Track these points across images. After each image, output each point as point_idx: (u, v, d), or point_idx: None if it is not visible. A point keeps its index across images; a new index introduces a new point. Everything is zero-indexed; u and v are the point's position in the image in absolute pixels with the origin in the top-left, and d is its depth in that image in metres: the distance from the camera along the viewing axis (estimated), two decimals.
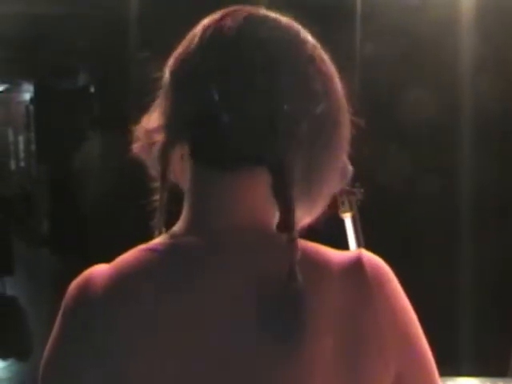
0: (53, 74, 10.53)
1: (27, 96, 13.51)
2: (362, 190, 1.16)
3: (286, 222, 0.86)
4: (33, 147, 13.24)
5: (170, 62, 0.95)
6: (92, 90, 10.00)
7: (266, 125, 0.88)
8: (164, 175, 0.92)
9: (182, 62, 0.93)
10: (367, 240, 1.20)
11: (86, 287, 0.90)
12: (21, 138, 14.55)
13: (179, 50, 0.95)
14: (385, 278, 0.87)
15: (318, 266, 0.85)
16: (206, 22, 0.94)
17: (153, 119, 0.95)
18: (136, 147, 0.96)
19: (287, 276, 0.82)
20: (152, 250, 0.90)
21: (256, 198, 0.91)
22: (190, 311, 0.85)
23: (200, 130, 0.89)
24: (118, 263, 0.90)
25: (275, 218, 0.92)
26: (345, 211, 1.17)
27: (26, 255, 9.68)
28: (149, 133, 0.94)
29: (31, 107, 13.17)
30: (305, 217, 0.96)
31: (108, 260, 0.93)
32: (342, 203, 1.15)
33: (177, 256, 0.89)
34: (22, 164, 14.21)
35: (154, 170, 0.95)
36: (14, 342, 6.17)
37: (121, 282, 0.88)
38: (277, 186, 0.88)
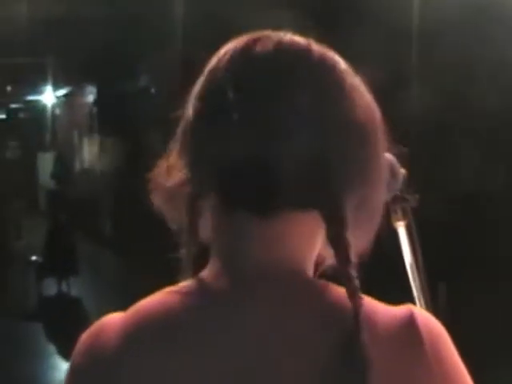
0: (115, 77, 10.64)
1: (91, 98, 13.70)
2: (417, 196, 1.05)
3: (345, 277, 0.77)
4: (97, 149, 13.42)
5: (193, 96, 0.83)
6: (153, 90, 10.06)
7: (313, 165, 0.78)
8: (193, 229, 0.82)
9: (209, 98, 0.81)
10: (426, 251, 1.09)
11: (97, 341, 0.80)
12: (85, 140, 14.77)
13: (201, 83, 0.83)
14: (439, 337, 0.79)
15: (365, 324, 0.76)
16: (229, 50, 0.83)
17: (174, 166, 0.84)
18: (155, 197, 0.85)
19: (350, 340, 0.74)
20: (179, 294, 0.81)
21: (294, 244, 0.82)
22: (213, 370, 0.77)
23: (236, 176, 0.79)
24: (137, 310, 0.81)
25: (312, 263, 0.84)
26: (397, 220, 1.07)
27: (90, 256, 9.80)
28: (172, 187, 0.83)
29: (95, 109, 13.35)
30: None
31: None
32: (395, 211, 1.05)
33: (204, 304, 0.80)
34: (87, 166, 14.41)
35: (173, 222, 0.84)
36: None
37: (139, 334, 0.79)
38: (332, 234, 0.78)
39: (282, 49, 0.82)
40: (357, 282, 0.77)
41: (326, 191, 0.78)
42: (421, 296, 1.11)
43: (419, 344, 0.77)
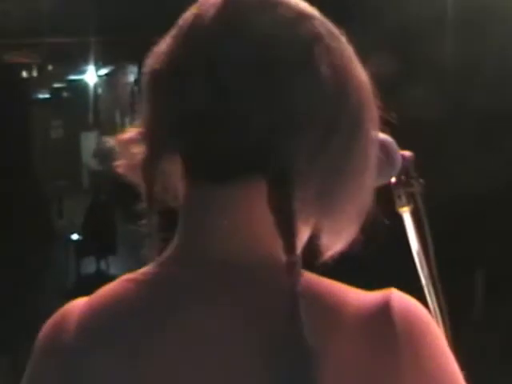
0: None
1: (132, 78, 13.74)
2: (422, 181, 1.00)
3: (285, 247, 0.70)
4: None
5: (148, 59, 0.79)
6: None
7: (266, 126, 0.71)
8: (150, 195, 0.77)
9: (161, 58, 0.77)
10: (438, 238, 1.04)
11: (57, 329, 0.78)
12: (127, 120, 14.85)
13: (158, 45, 0.79)
14: (418, 326, 0.70)
15: (330, 310, 0.70)
16: (188, 11, 0.78)
17: (132, 129, 0.80)
18: (118, 165, 0.81)
19: (288, 323, 0.67)
20: (134, 282, 0.77)
21: (259, 218, 0.75)
22: (170, 361, 0.72)
23: (187, 136, 0.74)
24: (95, 298, 0.78)
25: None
26: (402, 206, 1.02)
27: (129, 235, 9.86)
28: (126, 145, 0.79)
29: (136, 89, 13.39)
30: (334, 243, 0.79)
31: None
32: (399, 197, 1.00)
33: (161, 290, 0.76)
34: None
35: (142, 190, 0.79)
36: None
37: (95, 322, 0.76)
38: (273, 200, 0.71)
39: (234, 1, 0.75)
40: (298, 257, 0.70)
41: (276, 152, 0.71)
42: (430, 285, 1.05)
43: (390, 332, 0.68)
